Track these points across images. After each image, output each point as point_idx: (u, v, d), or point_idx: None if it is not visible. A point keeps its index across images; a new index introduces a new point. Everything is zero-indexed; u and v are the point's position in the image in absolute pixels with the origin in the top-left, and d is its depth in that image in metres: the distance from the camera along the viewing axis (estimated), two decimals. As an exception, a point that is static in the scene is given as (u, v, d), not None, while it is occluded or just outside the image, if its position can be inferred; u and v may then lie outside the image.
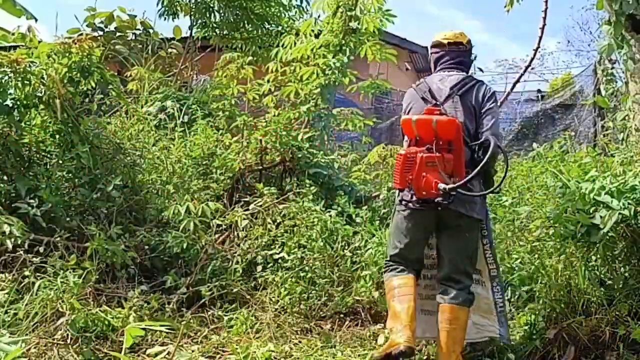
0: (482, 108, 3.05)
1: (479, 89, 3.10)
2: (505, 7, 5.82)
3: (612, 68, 7.67)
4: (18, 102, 4.28)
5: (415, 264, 3.10)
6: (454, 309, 2.90)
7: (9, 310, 3.15)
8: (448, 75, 3.15)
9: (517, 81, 6.34)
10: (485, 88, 3.13)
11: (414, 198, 2.96)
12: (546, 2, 5.55)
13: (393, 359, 2.80)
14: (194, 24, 9.03)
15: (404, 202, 3.04)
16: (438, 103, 3.04)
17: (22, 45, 4.61)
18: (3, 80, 4.15)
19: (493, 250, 3.15)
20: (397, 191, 3.13)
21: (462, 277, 2.98)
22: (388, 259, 3.16)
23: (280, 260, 4.21)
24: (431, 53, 3.33)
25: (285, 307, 3.76)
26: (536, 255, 3.56)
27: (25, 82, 4.21)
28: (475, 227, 3.05)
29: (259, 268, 4.28)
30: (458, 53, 3.24)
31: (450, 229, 3.01)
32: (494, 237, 3.73)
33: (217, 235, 4.47)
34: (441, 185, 2.79)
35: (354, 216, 4.79)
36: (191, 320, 3.60)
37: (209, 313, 3.74)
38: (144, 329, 2.80)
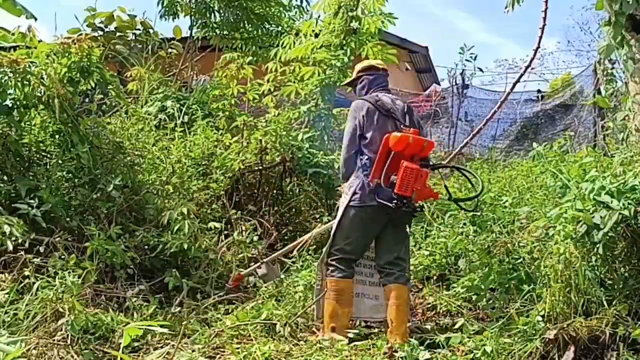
0: (421, 132, 3.64)
1: (416, 117, 3.75)
2: (505, 8, 5.82)
3: (612, 68, 7.67)
4: (18, 102, 4.27)
5: (359, 256, 3.61)
6: (399, 287, 3.43)
7: (9, 311, 3.15)
8: (395, 97, 3.71)
9: (517, 81, 6.33)
10: (417, 117, 3.81)
11: (393, 200, 3.34)
12: (546, 2, 5.54)
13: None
14: (194, 24, 9.03)
15: (378, 202, 3.39)
16: (406, 123, 3.55)
17: (22, 45, 4.61)
18: (3, 81, 4.14)
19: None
20: (355, 193, 3.47)
21: (402, 262, 3.54)
22: (337, 255, 3.51)
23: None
24: (365, 75, 3.83)
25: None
26: (536, 255, 3.56)
27: (25, 82, 4.20)
28: (411, 223, 3.76)
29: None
30: (385, 78, 3.85)
31: (400, 225, 3.56)
32: (493, 237, 3.98)
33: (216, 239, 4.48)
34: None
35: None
36: (191, 321, 3.60)
37: (209, 314, 3.74)
38: (143, 329, 2.81)
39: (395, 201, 3.33)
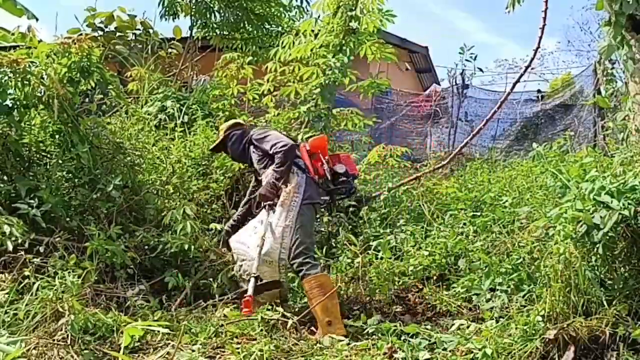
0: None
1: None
2: (506, 8, 5.82)
3: (612, 68, 7.67)
4: (18, 102, 4.27)
5: None
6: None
7: (9, 311, 3.15)
8: None
9: (517, 81, 6.34)
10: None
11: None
12: (546, 2, 5.55)
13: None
14: (194, 24, 9.03)
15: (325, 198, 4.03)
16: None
17: (22, 45, 4.61)
18: (3, 81, 4.14)
19: None
20: (304, 192, 3.84)
21: None
22: (309, 253, 3.72)
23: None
24: (233, 131, 4.31)
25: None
26: (536, 255, 3.57)
27: (25, 82, 4.20)
28: None
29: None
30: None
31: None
32: (493, 237, 4.09)
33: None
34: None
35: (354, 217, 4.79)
36: (191, 321, 3.60)
37: (209, 314, 3.74)
38: (143, 329, 2.81)
39: (351, 185, 4.14)
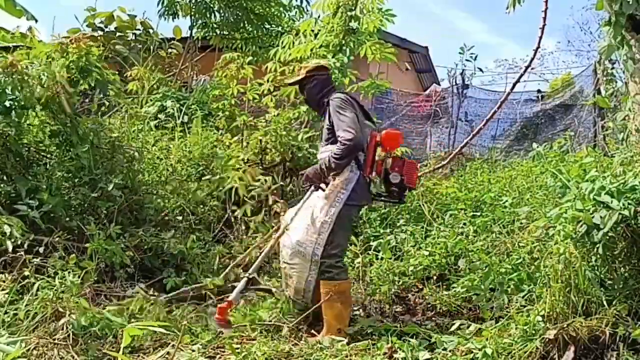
0: None
1: None
2: (507, 8, 5.82)
3: (612, 68, 7.67)
4: (16, 103, 4.27)
5: None
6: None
7: (9, 311, 3.15)
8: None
9: (517, 81, 6.33)
10: None
11: (401, 194, 3.58)
12: (546, 2, 5.54)
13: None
14: (194, 24, 9.04)
15: (374, 197, 3.65)
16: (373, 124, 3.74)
17: (22, 46, 4.61)
18: (1, 81, 4.14)
19: None
20: (349, 190, 3.45)
21: None
22: (342, 257, 3.51)
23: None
24: (317, 75, 3.74)
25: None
26: (536, 255, 3.56)
27: (23, 83, 4.20)
28: None
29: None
30: (331, 80, 3.89)
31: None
32: (493, 237, 4.09)
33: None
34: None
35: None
36: (191, 320, 3.60)
37: (209, 312, 3.74)
38: (142, 329, 2.81)
39: (401, 195, 3.57)
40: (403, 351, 3.09)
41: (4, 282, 3.34)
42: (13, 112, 4.26)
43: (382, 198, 3.67)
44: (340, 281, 3.42)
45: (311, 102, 3.85)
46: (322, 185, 3.48)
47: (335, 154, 3.39)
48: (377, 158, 3.54)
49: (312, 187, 3.55)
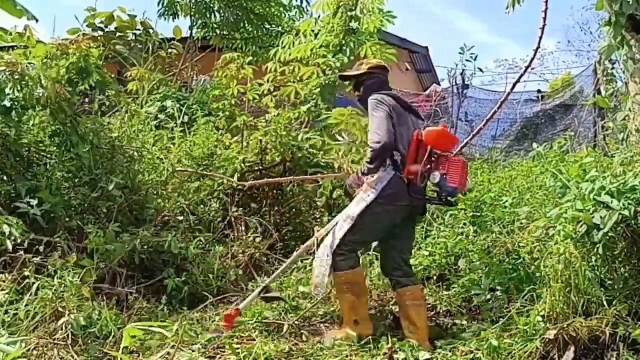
0: None
1: None
2: (506, 8, 5.82)
3: (612, 68, 7.67)
4: (16, 103, 4.28)
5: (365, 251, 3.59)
6: (418, 288, 3.47)
7: (9, 311, 3.15)
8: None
9: (517, 81, 6.31)
10: None
11: (447, 196, 3.35)
12: (546, 2, 5.54)
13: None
14: (194, 24, 9.04)
15: (415, 199, 3.37)
16: (421, 122, 3.61)
17: (20, 45, 4.61)
18: (1, 81, 4.14)
19: None
20: (384, 189, 3.31)
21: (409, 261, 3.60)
22: (348, 242, 3.32)
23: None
24: (378, 73, 3.67)
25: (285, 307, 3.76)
26: (536, 255, 3.56)
27: (23, 83, 4.21)
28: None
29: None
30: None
31: (414, 223, 3.62)
32: (493, 237, 4.03)
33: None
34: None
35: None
36: (191, 320, 3.60)
37: (208, 314, 3.75)
38: (143, 329, 2.81)
39: (447, 197, 3.34)
40: (403, 351, 3.09)
41: (4, 282, 3.34)
42: (13, 112, 4.26)
43: (432, 200, 3.49)
44: (346, 271, 3.31)
45: (364, 99, 3.62)
46: (358, 189, 3.46)
47: (367, 156, 3.38)
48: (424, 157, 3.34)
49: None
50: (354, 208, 3.36)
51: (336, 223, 3.47)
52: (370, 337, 3.26)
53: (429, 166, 3.31)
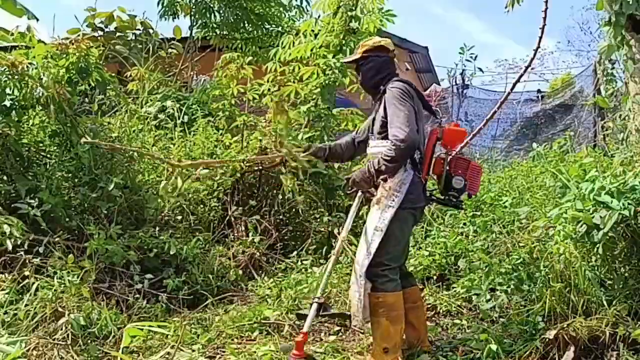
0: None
1: None
2: (505, 7, 5.82)
3: (612, 68, 7.67)
4: (16, 103, 4.28)
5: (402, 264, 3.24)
6: (417, 288, 3.35)
7: (8, 311, 3.15)
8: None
9: (517, 81, 6.30)
10: None
11: (459, 200, 3.17)
12: (546, 2, 5.54)
13: None
14: (194, 24, 9.03)
15: (430, 200, 3.25)
16: (438, 115, 3.35)
17: (21, 46, 4.61)
18: (1, 81, 4.14)
19: None
20: (407, 193, 3.00)
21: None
22: (390, 265, 3.00)
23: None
24: (372, 56, 3.27)
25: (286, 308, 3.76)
26: (536, 255, 3.56)
27: (23, 83, 4.20)
28: None
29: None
30: (394, 63, 3.35)
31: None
32: (493, 237, 4.04)
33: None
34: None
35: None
36: (191, 320, 3.60)
37: (208, 314, 3.75)
38: (143, 329, 2.81)
39: (458, 200, 3.16)
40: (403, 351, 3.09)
41: (4, 282, 3.34)
42: (13, 112, 4.26)
43: (439, 201, 3.26)
44: (385, 293, 2.95)
45: (365, 86, 3.35)
46: (372, 190, 3.12)
47: (385, 155, 2.96)
48: (434, 156, 3.17)
49: (360, 193, 3.19)
50: (382, 216, 2.98)
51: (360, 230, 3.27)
52: None
53: (458, 170, 3.13)
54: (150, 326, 2.71)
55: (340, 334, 3.53)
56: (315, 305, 3.04)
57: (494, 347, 2.95)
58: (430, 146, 3.15)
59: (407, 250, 3.35)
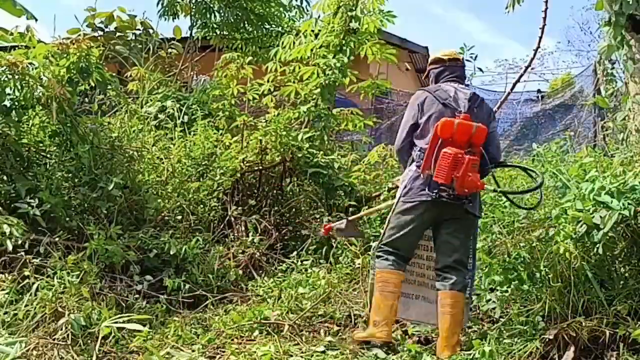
0: (489, 126, 3.36)
1: (486, 107, 3.48)
2: (506, 8, 5.84)
3: (612, 68, 7.67)
4: (16, 103, 4.28)
5: (408, 253, 3.38)
6: (455, 294, 3.17)
7: (9, 311, 3.15)
8: (460, 88, 3.44)
9: (517, 81, 6.33)
10: (489, 107, 3.55)
11: (448, 194, 3.18)
12: (546, 2, 5.55)
13: (370, 346, 3.22)
14: (194, 24, 9.03)
15: (437, 196, 3.18)
16: (462, 111, 3.29)
17: (21, 46, 4.61)
18: (1, 81, 4.14)
19: (475, 246, 3.43)
20: (406, 187, 3.31)
21: (461, 266, 3.27)
22: (383, 244, 3.36)
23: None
24: (431, 69, 3.64)
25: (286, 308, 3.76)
26: (536, 256, 3.56)
27: (23, 83, 4.21)
28: (475, 224, 3.40)
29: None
30: (457, 68, 3.59)
31: (456, 223, 3.29)
32: (494, 237, 3.92)
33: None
34: (490, 187, 3.38)
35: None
36: (191, 320, 3.60)
37: (208, 314, 3.75)
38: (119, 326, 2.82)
39: (435, 191, 3.17)
40: (403, 351, 3.09)
41: (4, 282, 3.34)
42: (13, 112, 4.26)
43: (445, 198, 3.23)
44: (380, 269, 3.30)
45: None
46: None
47: None
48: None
49: None
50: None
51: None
52: (385, 342, 3.19)
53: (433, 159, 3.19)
54: (129, 321, 2.77)
55: (340, 333, 3.53)
56: (345, 221, 3.85)
57: (488, 351, 2.94)
58: (431, 141, 3.23)
59: (414, 244, 3.40)
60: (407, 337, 3.48)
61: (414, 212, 3.28)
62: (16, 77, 4.17)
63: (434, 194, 3.18)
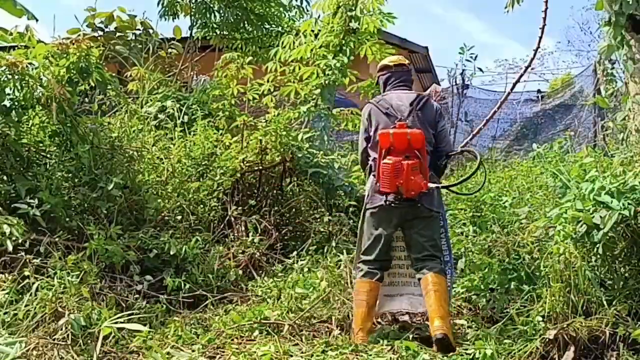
0: (437, 125, 3.59)
1: (432, 107, 3.63)
2: (505, 7, 5.84)
3: (612, 68, 7.68)
4: (16, 103, 4.27)
5: (382, 259, 3.49)
6: (436, 276, 3.30)
7: (9, 311, 3.15)
8: (404, 93, 3.62)
9: (517, 81, 6.33)
10: (436, 106, 3.69)
11: (396, 198, 3.35)
12: (546, 2, 5.54)
13: None
14: (194, 24, 9.03)
15: (386, 202, 3.38)
16: (402, 118, 3.46)
17: (21, 46, 4.61)
18: (1, 81, 4.14)
19: (447, 238, 3.61)
20: (367, 196, 3.54)
21: (434, 256, 3.42)
22: (360, 260, 3.54)
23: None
24: (379, 75, 3.81)
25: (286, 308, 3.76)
26: (536, 255, 3.56)
27: (23, 83, 4.20)
28: (438, 218, 3.55)
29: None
30: (402, 73, 3.75)
31: (420, 222, 3.44)
32: (494, 237, 4.00)
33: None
34: (431, 185, 3.36)
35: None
36: (191, 320, 3.60)
37: (208, 314, 3.75)
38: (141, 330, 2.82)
39: (386, 200, 3.37)
40: (403, 351, 3.09)
41: (4, 282, 3.34)
42: (13, 112, 4.26)
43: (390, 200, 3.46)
44: (356, 279, 3.53)
45: None
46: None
47: None
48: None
49: None
50: None
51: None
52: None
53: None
54: (129, 321, 2.78)
55: (340, 334, 3.53)
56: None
57: (488, 351, 2.94)
58: (378, 152, 3.43)
59: (386, 250, 3.50)
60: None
61: (377, 218, 3.48)
62: (16, 77, 4.17)
63: (384, 202, 3.39)
